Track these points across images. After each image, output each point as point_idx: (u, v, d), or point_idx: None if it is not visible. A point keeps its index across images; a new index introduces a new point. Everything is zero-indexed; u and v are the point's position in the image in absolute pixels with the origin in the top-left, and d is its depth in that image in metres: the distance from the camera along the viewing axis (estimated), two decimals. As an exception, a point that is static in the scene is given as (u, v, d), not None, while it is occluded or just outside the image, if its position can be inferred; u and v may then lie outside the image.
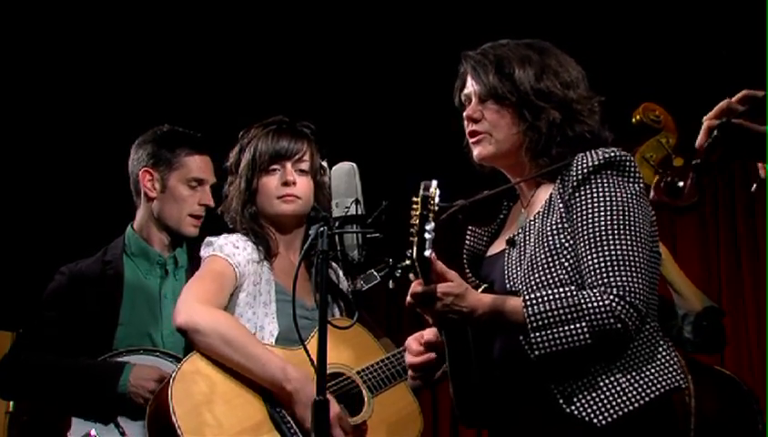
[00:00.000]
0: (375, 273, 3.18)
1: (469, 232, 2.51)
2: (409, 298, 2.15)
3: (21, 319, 3.37)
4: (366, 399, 2.94)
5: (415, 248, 2.06)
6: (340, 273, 3.18)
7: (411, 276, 2.14)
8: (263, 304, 3.00)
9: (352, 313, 2.94)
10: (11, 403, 3.77)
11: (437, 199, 2.04)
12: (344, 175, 2.53)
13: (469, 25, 4.50)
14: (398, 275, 3.05)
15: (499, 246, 2.43)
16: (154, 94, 5.14)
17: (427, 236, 2.03)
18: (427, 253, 2.04)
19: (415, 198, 2.04)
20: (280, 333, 2.95)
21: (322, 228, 2.42)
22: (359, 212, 2.48)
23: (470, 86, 2.41)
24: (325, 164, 3.11)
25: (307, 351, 2.44)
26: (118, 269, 3.26)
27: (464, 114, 2.42)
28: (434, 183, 2.05)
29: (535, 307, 2.14)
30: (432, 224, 2.02)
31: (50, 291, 3.25)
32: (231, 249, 3.01)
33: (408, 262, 2.08)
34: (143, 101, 5.10)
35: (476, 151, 2.40)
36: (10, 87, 5.08)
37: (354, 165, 2.55)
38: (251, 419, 2.81)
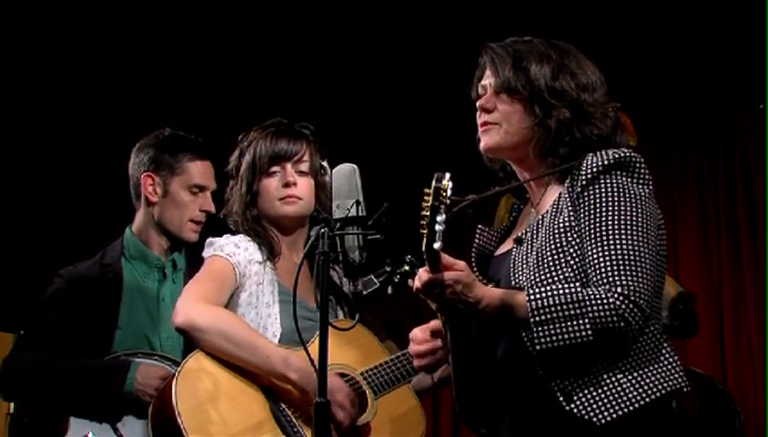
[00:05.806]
0: (374, 279, 3.17)
1: (478, 232, 2.50)
2: (416, 283, 2.15)
3: (22, 320, 3.37)
4: (369, 400, 2.93)
5: (425, 240, 2.04)
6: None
7: (410, 282, 2.12)
8: (266, 305, 3.00)
9: (354, 315, 2.94)
10: (11, 405, 3.75)
11: (449, 191, 2.02)
12: (345, 176, 2.52)
13: (471, 26, 4.50)
14: (396, 281, 3.06)
15: (507, 245, 2.43)
16: (152, 97, 5.14)
17: (437, 227, 2.01)
18: (436, 245, 2.03)
19: (427, 190, 2.02)
20: (283, 334, 2.95)
21: (323, 230, 2.42)
22: (360, 214, 2.48)
23: (487, 78, 2.41)
24: (326, 164, 3.10)
25: (308, 352, 2.43)
26: (117, 272, 3.26)
27: (477, 103, 2.42)
28: (447, 175, 2.03)
29: (539, 301, 2.14)
30: (443, 216, 2.00)
31: (49, 294, 3.25)
32: (232, 249, 3.01)
33: (406, 268, 2.08)
34: (141, 104, 5.10)
35: (483, 140, 2.40)
36: (10, 89, 5.08)
37: (355, 166, 2.54)
38: (254, 417, 2.81)
